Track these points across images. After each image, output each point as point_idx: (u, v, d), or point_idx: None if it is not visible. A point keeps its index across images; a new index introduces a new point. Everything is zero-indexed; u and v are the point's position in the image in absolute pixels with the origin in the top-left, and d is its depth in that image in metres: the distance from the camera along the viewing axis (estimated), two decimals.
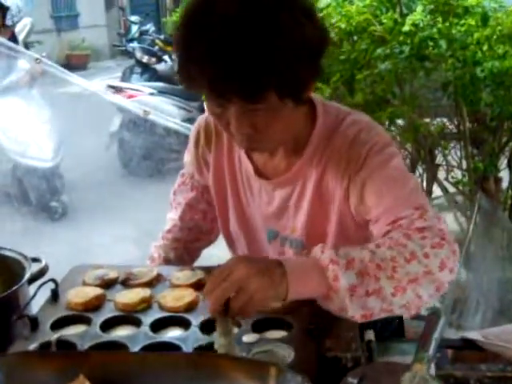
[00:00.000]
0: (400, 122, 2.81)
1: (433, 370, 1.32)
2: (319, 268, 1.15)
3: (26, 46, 6.22)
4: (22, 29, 6.09)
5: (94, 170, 6.18)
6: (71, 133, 5.80)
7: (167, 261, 1.70)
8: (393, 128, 2.78)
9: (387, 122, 2.63)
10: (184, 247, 1.72)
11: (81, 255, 4.42)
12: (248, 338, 1.28)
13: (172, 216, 1.72)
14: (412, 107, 2.52)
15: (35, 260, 1.67)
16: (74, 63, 13.68)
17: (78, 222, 5.25)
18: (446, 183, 3.02)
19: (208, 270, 1.44)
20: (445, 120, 2.92)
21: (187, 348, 1.25)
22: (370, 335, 1.38)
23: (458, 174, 2.97)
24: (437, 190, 3.08)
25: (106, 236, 4.75)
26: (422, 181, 3.00)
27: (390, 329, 1.61)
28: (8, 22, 5.80)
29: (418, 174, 2.99)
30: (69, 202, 5.50)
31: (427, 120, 2.81)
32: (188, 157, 1.63)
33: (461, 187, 2.87)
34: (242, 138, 1.26)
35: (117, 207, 5.30)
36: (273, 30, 1.12)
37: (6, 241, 4.72)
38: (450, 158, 2.98)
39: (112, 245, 4.54)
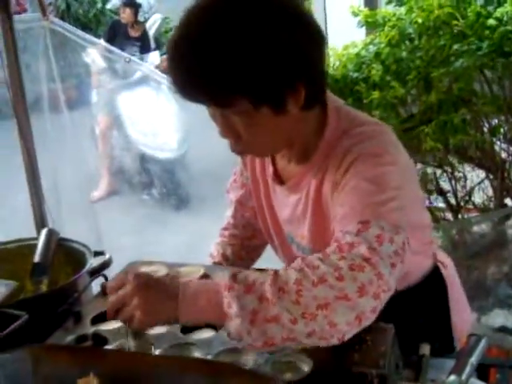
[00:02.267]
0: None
1: None
2: (216, 294, 1.11)
3: (157, 41, 6.50)
4: (152, 24, 6.36)
5: (220, 162, 6.28)
6: (198, 125, 5.94)
7: (225, 257, 1.73)
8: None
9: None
10: (241, 244, 1.74)
11: (198, 244, 4.55)
12: None
13: (227, 214, 1.75)
14: (497, 107, 2.32)
15: (99, 253, 1.75)
16: None
17: (199, 213, 5.38)
18: None
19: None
20: None
21: (210, 351, 1.26)
22: (426, 349, 1.33)
23: None
24: None
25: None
26: None
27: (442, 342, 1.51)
28: (140, 18, 6.10)
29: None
30: (192, 193, 5.68)
31: None
32: None
33: None
34: (229, 142, 1.26)
35: None
36: (240, 38, 1.12)
37: (132, 227, 4.96)
38: None
39: None
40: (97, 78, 5.79)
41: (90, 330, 1.36)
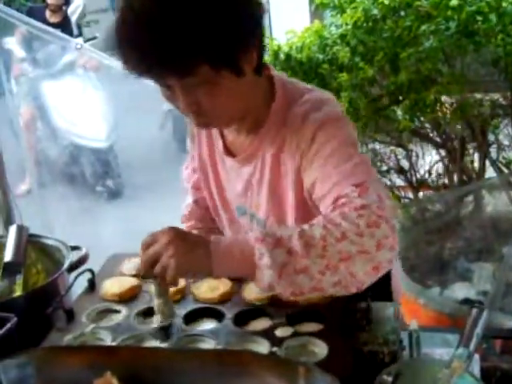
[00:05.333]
0: (449, 100, 2.70)
1: (477, 363, 1.28)
2: (246, 247, 1.15)
3: (79, 26, 6.30)
4: (74, 10, 6.15)
5: (150, 149, 6.22)
6: (127, 112, 5.84)
7: None
8: (438, 108, 2.68)
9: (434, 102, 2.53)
10: (206, 227, 1.72)
11: (135, 233, 4.48)
12: (281, 331, 1.26)
13: (187, 201, 1.76)
14: (461, 85, 2.41)
15: (76, 248, 1.69)
16: None
17: (132, 201, 5.33)
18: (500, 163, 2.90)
19: None
20: (497, 96, 2.79)
21: (219, 341, 1.24)
22: (414, 325, 1.35)
23: (510, 154, 2.85)
24: (490, 171, 2.95)
25: (159, 214, 4.76)
26: (473, 161, 2.89)
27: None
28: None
29: (467, 154, 2.88)
30: (124, 181, 5.58)
31: (479, 96, 2.69)
32: (188, 139, 1.65)
33: None
34: (192, 116, 1.28)
35: (171, 186, 5.31)
36: (194, 4, 1.14)
37: (64, 220, 4.82)
38: (502, 137, 2.85)
39: (165, 223, 4.55)
40: (18, 66, 5.56)
41: (88, 328, 1.31)
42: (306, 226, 1.15)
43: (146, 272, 1.20)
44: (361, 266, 1.12)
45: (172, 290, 1.37)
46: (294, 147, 1.33)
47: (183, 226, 1.76)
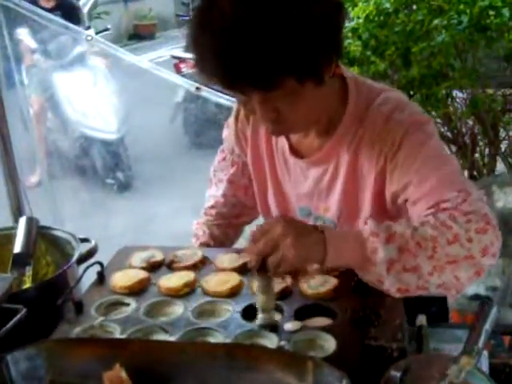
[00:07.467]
0: (460, 95, 2.70)
1: (486, 359, 1.27)
2: (359, 239, 1.16)
3: (91, 18, 6.26)
4: (86, 1, 6.12)
5: (160, 142, 6.23)
6: (137, 105, 5.84)
7: (213, 236, 1.71)
8: (449, 103, 2.67)
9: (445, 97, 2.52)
10: (228, 223, 1.72)
11: (144, 226, 4.51)
12: (290, 325, 1.25)
13: (214, 193, 1.73)
14: (473, 80, 2.40)
15: (85, 240, 1.69)
16: (142, 33, 13.81)
17: (142, 194, 5.34)
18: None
19: None
20: (509, 92, 2.77)
21: (228, 334, 1.24)
22: (422, 320, 1.34)
23: None
24: (501, 166, 2.94)
25: (169, 207, 4.79)
26: (484, 156, 2.88)
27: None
28: None
29: (478, 149, 2.86)
30: (134, 174, 5.59)
31: (490, 91, 2.67)
32: (227, 132, 1.62)
33: None
34: (268, 124, 1.26)
35: (181, 179, 5.34)
36: (278, 19, 1.10)
37: (74, 211, 4.83)
38: None
39: (174, 216, 4.58)
40: (29, 57, 5.55)
41: (97, 320, 1.31)
42: (417, 225, 1.17)
43: (257, 264, 1.15)
44: (465, 271, 1.15)
45: (180, 283, 1.38)
46: (376, 149, 1.30)
47: (205, 218, 1.75)
